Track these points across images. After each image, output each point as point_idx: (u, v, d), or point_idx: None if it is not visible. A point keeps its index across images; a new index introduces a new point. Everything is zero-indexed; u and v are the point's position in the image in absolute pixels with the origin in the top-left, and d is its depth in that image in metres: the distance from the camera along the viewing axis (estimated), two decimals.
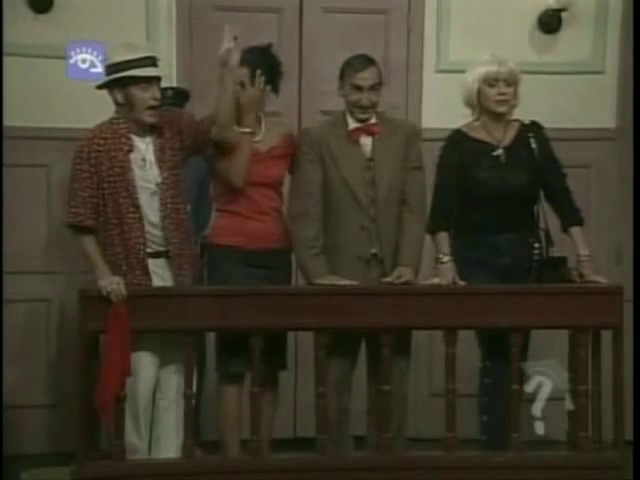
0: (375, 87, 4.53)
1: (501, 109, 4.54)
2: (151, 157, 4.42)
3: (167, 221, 4.41)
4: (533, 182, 4.55)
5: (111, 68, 4.37)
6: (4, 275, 5.11)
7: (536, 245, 4.54)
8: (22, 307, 5.26)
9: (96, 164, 4.36)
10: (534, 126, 4.60)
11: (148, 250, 4.39)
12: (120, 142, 4.38)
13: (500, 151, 4.55)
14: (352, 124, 4.57)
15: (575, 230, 4.56)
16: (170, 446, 4.47)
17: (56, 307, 5.36)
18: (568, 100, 5.55)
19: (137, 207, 4.38)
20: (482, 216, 4.54)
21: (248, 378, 4.54)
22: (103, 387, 4.25)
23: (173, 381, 4.48)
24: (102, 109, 5.09)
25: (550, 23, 5.59)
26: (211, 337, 4.70)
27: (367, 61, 4.55)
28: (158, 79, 4.40)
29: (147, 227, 4.39)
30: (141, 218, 4.38)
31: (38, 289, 5.34)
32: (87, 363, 4.32)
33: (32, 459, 5.16)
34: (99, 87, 4.44)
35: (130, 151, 4.39)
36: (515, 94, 4.54)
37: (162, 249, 4.42)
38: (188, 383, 4.36)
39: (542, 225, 4.60)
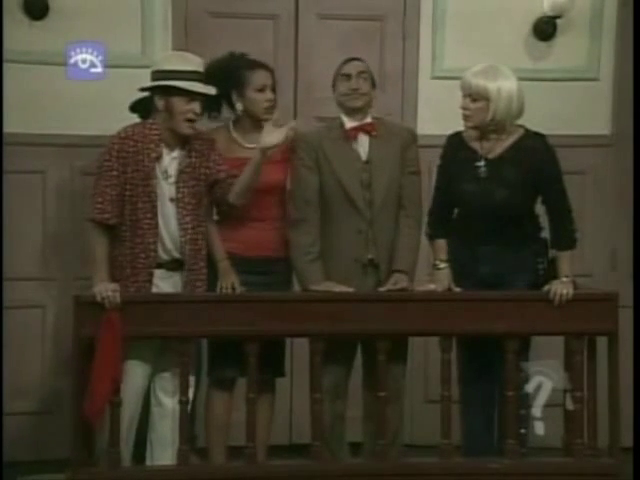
0: (364, 75, 4.55)
1: (464, 123, 4.46)
2: (173, 172, 4.43)
3: (183, 239, 4.42)
4: (515, 198, 4.41)
5: (159, 74, 4.39)
6: None
7: (539, 260, 4.50)
8: (17, 313, 5.24)
9: (124, 164, 4.37)
10: (536, 139, 4.48)
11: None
12: (149, 148, 4.39)
13: (482, 164, 4.46)
14: (348, 123, 4.58)
15: (562, 255, 4.46)
16: (165, 454, 4.47)
17: (51, 313, 5.35)
18: (563, 107, 5.55)
19: (154, 214, 4.39)
20: (466, 225, 4.51)
21: (240, 384, 4.56)
22: (92, 394, 4.24)
23: (168, 388, 4.48)
24: (98, 115, 5.13)
25: (545, 30, 5.59)
26: (205, 343, 4.69)
27: (354, 58, 4.61)
28: (202, 94, 4.40)
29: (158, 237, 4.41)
30: (156, 226, 4.39)
31: (33, 295, 5.33)
32: (82, 369, 4.31)
33: (27, 466, 5.15)
34: (142, 90, 4.45)
35: (158, 158, 4.40)
36: (483, 110, 4.37)
37: (165, 260, 4.43)
38: (183, 390, 4.36)
39: (545, 232, 4.55)
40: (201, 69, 4.44)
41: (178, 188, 4.43)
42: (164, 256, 4.45)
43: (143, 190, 4.39)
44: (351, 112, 4.58)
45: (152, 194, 4.39)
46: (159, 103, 4.40)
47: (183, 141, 4.45)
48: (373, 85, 4.62)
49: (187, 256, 4.44)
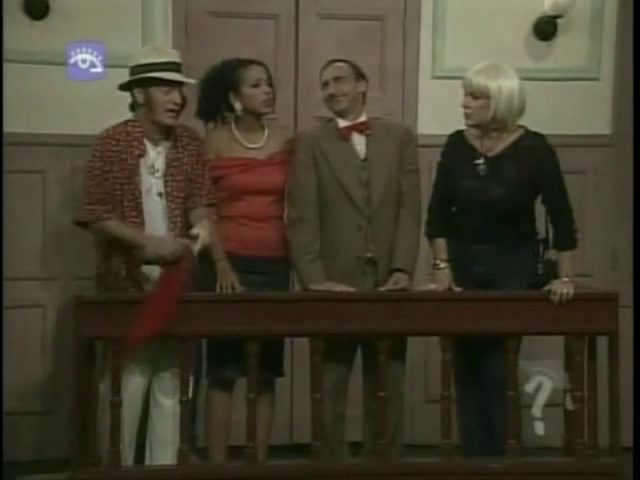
0: (340, 80, 4.57)
1: (465, 121, 4.47)
2: (161, 166, 4.43)
3: (172, 232, 4.42)
4: (512, 196, 4.42)
5: (135, 69, 4.41)
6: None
7: (537, 260, 4.50)
8: (18, 313, 5.24)
9: (109, 163, 4.38)
10: (536, 138, 4.49)
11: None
12: (132, 145, 4.40)
13: (481, 161, 4.47)
14: (342, 123, 4.60)
15: (563, 255, 4.48)
16: (165, 454, 4.47)
17: (52, 313, 5.35)
18: (563, 106, 5.55)
19: (140, 212, 4.39)
20: (463, 223, 4.51)
21: (240, 384, 4.56)
22: (141, 324, 4.18)
23: (167, 389, 4.47)
24: (98, 115, 5.12)
25: (546, 30, 5.59)
26: (205, 343, 4.69)
27: (333, 60, 4.64)
28: (180, 84, 4.41)
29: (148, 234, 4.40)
30: (143, 223, 4.38)
31: (33, 295, 5.33)
32: (82, 369, 4.31)
33: (27, 465, 5.15)
34: (121, 86, 4.47)
35: (141, 156, 4.41)
36: (484, 108, 4.38)
37: (156, 258, 4.42)
38: (184, 390, 4.36)
39: (542, 234, 4.55)
40: (177, 60, 4.46)
41: (166, 182, 4.43)
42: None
43: (128, 188, 4.38)
44: (339, 114, 4.60)
45: (136, 191, 4.39)
46: (139, 97, 4.41)
47: (167, 133, 4.45)
48: (359, 78, 4.61)
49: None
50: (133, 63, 4.45)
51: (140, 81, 4.39)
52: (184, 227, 4.46)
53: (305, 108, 5.48)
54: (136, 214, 4.38)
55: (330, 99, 4.59)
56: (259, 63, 4.67)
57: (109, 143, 4.39)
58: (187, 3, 5.47)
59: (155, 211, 4.43)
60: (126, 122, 4.45)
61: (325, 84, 4.60)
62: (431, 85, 5.59)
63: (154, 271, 4.41)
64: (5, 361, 5.05)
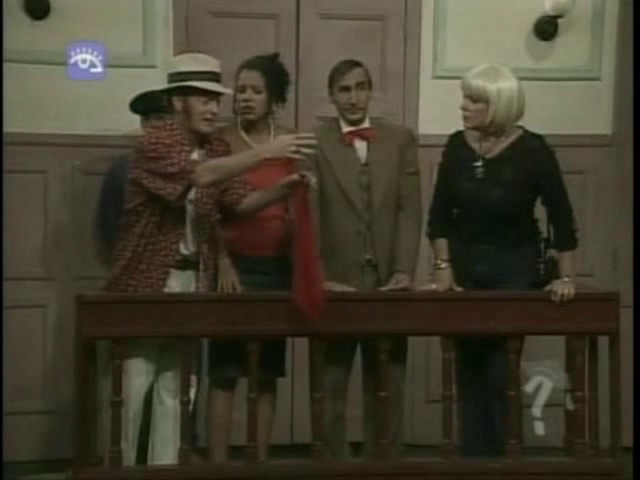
0: (362, 86, 4.56)
1: (464, 123, 4.46)
2: None
3: (200, 239, 4.41)
4: (510, 198, 4.42)
5: (175, 76, 4.37)
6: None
7: (539, 260, 4.50)
8: (18, 313, 5.24)
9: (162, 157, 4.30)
10: (534, 139, 4.47)
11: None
12: (176, 147, 4.33)
13: (479, 164, 4.46)
14: (345, 128, 4.59)
15: (563, 255, 4.47)
16: (167, 453, 4.46)
17: (53, 313, 5.36)
18: (564, 106, 5.55)
19: (184, 213, 4.36)
20: (464, 224, 4.51)
21: (241, 384, 4.56)
22: (308, 284, 4.17)
23: (171, 387, 4.47)
24: (98, 115, 5.13)
25: (546, 29, 5.59)
26: (205, 342, 4.69)
27: (353, 64, 4.61)
28: (219, 94, 4.38)
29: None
30: (183, 226, 4.36)
31: (34, 295, 5.34)
32: (83, 369, 4.31)
33: (28, 465, 5.16)
34: (161, 92, 4.44)
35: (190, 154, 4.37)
36: (482, 112, 4.36)
37: (177, 260, 4.41)
38: (184, 389, 4.36)
39: (544, 234, 4.56)
40: (217, 69, 4.42)
41: (197, 189, 4.41)
42: (175, 256, 4.44)
43: None
44: (351, 122, 4.60)
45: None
46: (177, 104, 4.38)
47: (201, 141, 4.43)
48: (370, 84, 4.62)
49: (205, 255, 4.42)
50: (173, 70, 4.40)
51: (179, 89, 4.36)
52: (211, 233, 4.44)
53: (305, 108, 5.48)
54: (178, 215, 4.33)
55: (350, 107, 4.56)
56: (248, 67, 4.64)
57: (163, 135, 4.32)
58: (188, 3, 5.48)
59: (187, 215, 4.42)
60: (164, 125, 4.40)
61: (346, 89, 4.56)
62: (432, 85, 5.59)
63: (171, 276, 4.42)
64: (6, 361, 5.05)
